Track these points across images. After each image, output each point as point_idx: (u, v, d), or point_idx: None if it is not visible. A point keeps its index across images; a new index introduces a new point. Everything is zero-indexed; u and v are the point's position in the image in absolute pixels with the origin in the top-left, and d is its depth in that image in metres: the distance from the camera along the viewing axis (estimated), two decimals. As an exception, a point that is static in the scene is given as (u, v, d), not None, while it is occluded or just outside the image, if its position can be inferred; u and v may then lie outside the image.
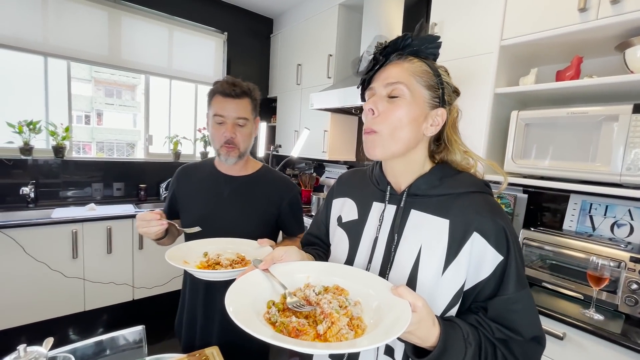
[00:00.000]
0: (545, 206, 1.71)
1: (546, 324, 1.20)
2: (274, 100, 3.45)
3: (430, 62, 0.62)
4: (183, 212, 1.14)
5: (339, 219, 0.75)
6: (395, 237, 0.62)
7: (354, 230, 0.70)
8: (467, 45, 1.69)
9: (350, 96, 2.06)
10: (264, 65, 3.51)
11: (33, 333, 2.05)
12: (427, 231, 0.59)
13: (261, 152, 3.00)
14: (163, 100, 3.11)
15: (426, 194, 0.62)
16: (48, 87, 2.52)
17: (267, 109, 3.54)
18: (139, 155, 3.09)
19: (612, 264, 1.19)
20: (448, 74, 0.63)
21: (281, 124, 3.31)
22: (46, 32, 2.38)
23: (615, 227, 1.47)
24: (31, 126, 2.34)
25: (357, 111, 2.40)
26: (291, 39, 3.13)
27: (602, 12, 1.18)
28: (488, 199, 0.61)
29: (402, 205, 0.63)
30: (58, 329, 2.18)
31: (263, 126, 3.10)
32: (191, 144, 3.25)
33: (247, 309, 0.51)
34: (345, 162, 2.97)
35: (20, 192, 2.28)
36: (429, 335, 0.49)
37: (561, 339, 1.15)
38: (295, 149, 2.77)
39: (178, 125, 3.19)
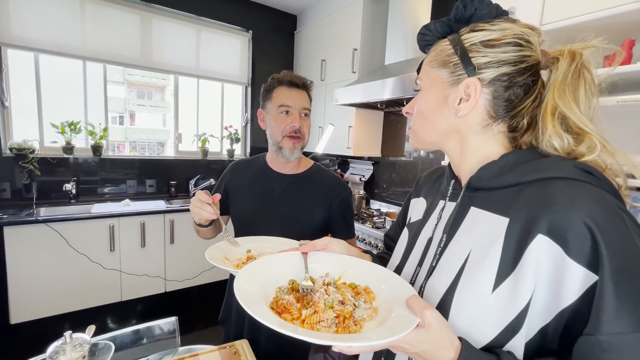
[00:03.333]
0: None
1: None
2: (298, 97, 3.45)
3: (458, 33, 0.51)
4: (234, 207, 1.13)
5: (409, 219, 0.69)
6: (445, 238, 0.53)
7: (414, 230, 0.63)
8: (502, 32, 1.60)
9: (375, 90, 2.02)
10: (288, 62, 3.52)
11: (75, 320, 2.19)
12: (481, 232, 0.47)
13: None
14: (191, 100, 3.21)
15: (489, 187, 0.49)
16: (87, 90, 2.67)
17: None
18: (168, 153, 3.21)
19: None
20: (487, 28, 0.48)
21: (305, 120, 3.31)
22: (84, 38, 2.51)
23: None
24: (72, 127, 2.50)
25: (382, 105, 2.35)
26: (315, 34, 3.12)
27: (660, -11, 1.07)
28: (576, 186, 0.41)
29: (459, 201, 0.54)
30: (97, 318, 2.32)
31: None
32: (218, 142, 3.33)
33: (265, 279, 0.55)
34: (369, 158, 2.92)
35: (64, 189, 2.44)
36: (439, 354, 0.40)
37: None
38: (320, 145, 2.76)
39: (206, 124, 3.28)
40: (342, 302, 0.50)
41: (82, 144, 2.66)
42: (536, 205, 0.42)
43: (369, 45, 2.53)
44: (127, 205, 2.51)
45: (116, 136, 12.35)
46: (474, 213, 0.50)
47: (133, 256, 2.37)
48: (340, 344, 0.38)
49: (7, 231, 1.95)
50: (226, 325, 1.19)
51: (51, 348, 0.58)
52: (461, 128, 0.51)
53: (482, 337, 0.43)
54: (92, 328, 0.81)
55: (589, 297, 0.37)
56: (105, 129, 2.67)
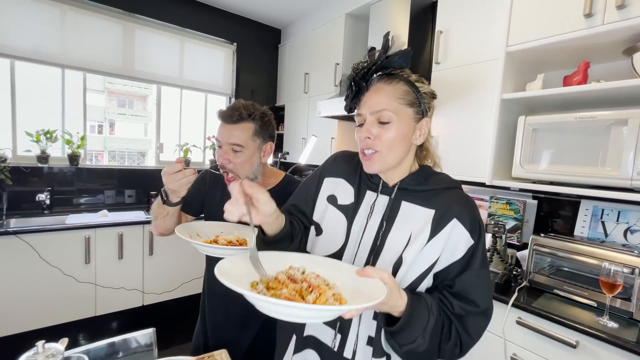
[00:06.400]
0: (556, 212, 1.69)
1: (559, 331, 1.18)
2: (282, 108, 3.50)
3: (406, 77, 0.68)
4: (207, 212, 1.14)
5: (332, 198, 0.78)
6: (385, 225, 0.70)
7: (350, 214, 0.74)
8: (473, 52, 1.70)
9: (345, 97, 2.08)
10: (272, 75, 3.57)
11: (46, 337, 2.07)
12: (417, 220, 0.68)
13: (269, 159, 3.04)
14: (174, 109, 3.19)
15: (414, 189, 0.71)
16: (65, 98, 2.61)
17: (275, 117, 3.58)
18: (149, 163, 3.16)
19: (625, 270, 1.17)
20: (423, 82, 0.70)
21: (289, 131, 3.36)
22: (64, 45, 2.48)
23: (629, 233, 1.44)
24: (48, 135, 2.43)
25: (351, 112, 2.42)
26: (299, 48, 3.19)
27: (608, 18, 1.19)
28: (464, 194, 0.72)
29: (393, 196, 0.72)
30: (69, 334, 2.20)
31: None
32: (201, 152, 3.31)
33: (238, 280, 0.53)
34: (352, 169, 2.98)
35: (37, 199, 2.35)
36: (397, 304, 0.57)
37: (574, 347, 1.13)
38: (303, 156, 2.80)
39: (188, 134, 3.26)
40: (325, 283, 0.58)
41: (58, 153, 2.59)
42: (451, 203, 0.68)
43: (351, 60, 2.62)
44: (105, 216, 2.45)
45: (94, 145, 11.96)
46: (407, 206, 0.70)
47: (110, 268, 2.29)
48: (358, 307, 0.48)
49: (-26, 243, 1.86)
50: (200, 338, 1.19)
51: (22, 359, 0.57)
52: (410, 150, 0.71)
53: (412, 276, 0.66)
54: (65, 340, 0.79)
55: (468, 253, 0.65)
56: (83, 138, 2.61)
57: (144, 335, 1.05)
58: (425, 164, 0.76)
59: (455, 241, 0.65)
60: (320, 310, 0.47)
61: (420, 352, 0.60)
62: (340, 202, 0.77)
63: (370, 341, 0.68)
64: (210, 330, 1.15)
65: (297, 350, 0.75)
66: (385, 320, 0.63)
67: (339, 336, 0.70)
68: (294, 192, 0.88)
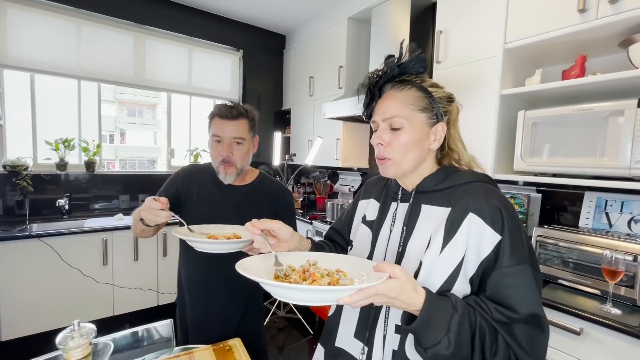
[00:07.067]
0: (560, 205, 1.71)
1: (563, 319, 1.20)
2: (288, 112, 3.58)
3: (420, 82, 0.68)
4: (185, 212, 1.15)
5: (364, 217, 0.83)
6: (405, 230, 0.69)
7: (375, 227, 0.77)
8: (472, 50, 1.75)
9: (361, 104, 2.14)
10: (278, 79, 3.66)
11: (67, 336, 2.17)
12: (434, 221, 0.66)
13: (276, 161, 3.12)
14: (183, 116, 3.29)
15: (432, 190, 0.69)
16: (81, 108, 2.73)
17: (281, 120, 3.67)
18: (160, 168, 3.25)
19: (627, 257, 1.19)
20: (438, 86, 0.70)
21: (295, 134, 3.43)
22: (79, 58, 2.60)
23: (633, 222, 1.45)
24: (66, 143, 2.54)
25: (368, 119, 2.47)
26: (303, 53, 3.27)
27: (602, 12, 1.22)
28: (485, 185, 0.66)
29: (411, 201, 0.71)
30: (89, 333, 2.30)
31: (278, 137, 3.22)
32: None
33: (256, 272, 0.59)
34: (358, 169, 3.03)
35: (56, 204, 2.47)
36: (412, 300, 0.54)
37: (578, 334, 1.15)
38: (309, 158, 2.86)
39: (198, 139, 3.36)
40: (329, 275, 0.62)
41: (75, 160, 2.70)
42: (466, 196, 0.63)
43: (354, 62, 2.68)
44: (120, 220, 2.54)
45: (106, 154, 12.29)
46: (426, 209, 0.69)
47: (126, 270, 2.38)
48: (343, 288, 0.50)
49: (0, 247, 1.97)
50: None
51: (60, 336, 0.63)
52: (426, 156, 0.70)
53: (436, 281, 0.61)
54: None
55: (496, 249, 0.59)
56: (98, 145, 2.73)
57: (164, 326, 1.12)
58: (455, 165, 0.73)
59: (477, 238, 0.59)
60: (306, 290, 0.51)
61: (446, 356, 0.53)
62: (368, 218, 0.81)
63: (395, 355, 0.66)
64: (192, 325, 1.19)
65: None
66: (407, 321, 0.59)
67: (366, 349, 0.69)
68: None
